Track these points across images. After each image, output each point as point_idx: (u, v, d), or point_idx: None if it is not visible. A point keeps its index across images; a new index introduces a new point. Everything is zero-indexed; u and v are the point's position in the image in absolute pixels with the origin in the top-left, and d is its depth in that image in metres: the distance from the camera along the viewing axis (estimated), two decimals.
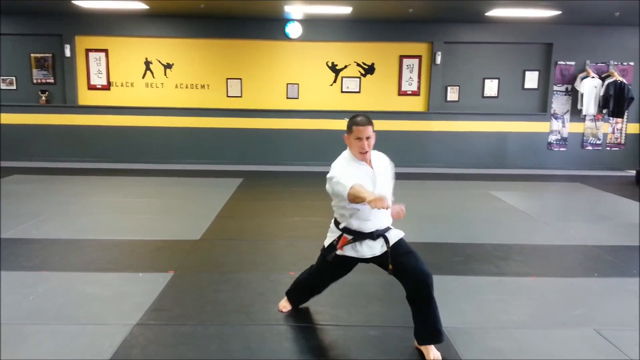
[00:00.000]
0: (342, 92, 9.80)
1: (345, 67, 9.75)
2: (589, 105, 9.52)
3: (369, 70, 9.78)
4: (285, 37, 9.50)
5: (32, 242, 4.67)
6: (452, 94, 9.84)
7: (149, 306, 3.34)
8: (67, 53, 9.39)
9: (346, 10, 8.30)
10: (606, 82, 9.37)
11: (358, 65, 9.75)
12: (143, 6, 8.32)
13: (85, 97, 9.71)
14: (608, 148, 9.99)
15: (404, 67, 9.77)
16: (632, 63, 9.67)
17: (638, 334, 3.08)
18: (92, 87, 9.69)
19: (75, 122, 9.57)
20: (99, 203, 6.37)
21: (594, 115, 9.78)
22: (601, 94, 9.41)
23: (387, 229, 2.92)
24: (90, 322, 3.13)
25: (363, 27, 9.47)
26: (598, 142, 9.96)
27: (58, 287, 3.64)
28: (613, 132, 9.97)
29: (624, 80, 9.36)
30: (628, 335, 3.05)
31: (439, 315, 2.78)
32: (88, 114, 9.58)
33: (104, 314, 3.24)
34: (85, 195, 6.75)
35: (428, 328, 2.77)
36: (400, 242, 2.90)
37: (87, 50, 9.58)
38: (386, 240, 2.87)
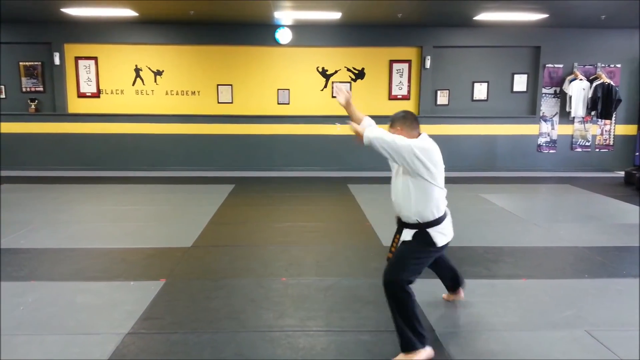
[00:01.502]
0: (333, 97, 9.81)
1: (336, 72, 9.78)
2: (577, 108, 9.61)
3: (359, 75, 9.81)
4: (276, 43, 9.52)
5: (22, 252, 4.64)
6: (442, 98, 9.89)
7: (140, 315, 3.33)
8: (57, 61, 9.35)
9: (336, 15, 8.34)
10: (594, 84, 9.46)
11: (348, 70, 9.79)
12: (132, 13, 8.31)
13: (75, 105, 9.67)
14: (597, 149, 10.08)
15: (394, 71, 9.82)
16: (619, 65, 9.78)
17: (638, 334, 3.10)
18: (81, 95, 9.65)
19: (65, 130, 9.52)
20: (89, 211, 6.33)
21: (583, 117, 9.87)
22: (589, 96, 9.51)
23: (408, 224, 2.95)
24: (80, 331, 3.11)
25: (353, 32, 9.51)
26: (587, 143, 10.05)
27: (47, 297, 3.62)
28: (602, 134, 10.06)
29: (612, 82, 9.46)
30: (618, 336, 3.08)
31: (405, 320, 2.77)
32: (78, 122, 9.54)
33: (94, 324, 3.22)
34: (75, 204, 6.71)
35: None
36: (401, 244, 2.99)
37: (77, 58, 9.55)
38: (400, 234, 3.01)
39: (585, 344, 2.99)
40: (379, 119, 5.62)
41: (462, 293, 3.55)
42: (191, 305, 3.50)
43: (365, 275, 4.12)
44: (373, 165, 9.53)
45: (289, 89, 9.77)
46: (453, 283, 3.50)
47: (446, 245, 3.00)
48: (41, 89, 9.55)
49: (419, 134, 2.97)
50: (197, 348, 2.92)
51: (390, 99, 9.87)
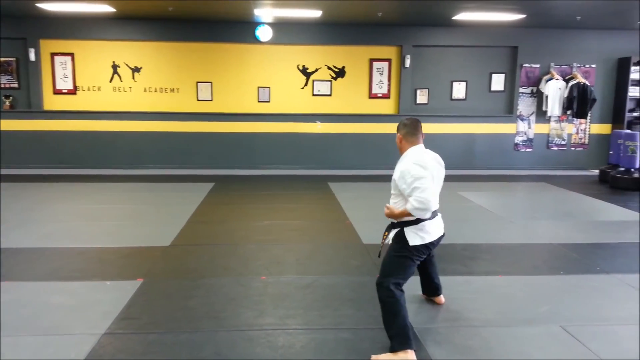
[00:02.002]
0: (313, 95, 9.82)
1: (316, 70, 9.77)
2: (553, 107, 9.77)
3: (340, 73, 9.83)
4: (256, 40, 9.48)
5: None
6: (422, 97, 9.97)
7: (117, 315, 3.28)
8: (32, 57, 9.17)
9: (316, 13, 8.33)
10: (570, 84, 9.63)
11: (329, 68, 9.79)
12: (110, 9, 8.18)
13: (51, 101, 9.49)
14: (572, 148, 10.27)
15: (374, 70, 9.85)
16: (594, 65, 9.97)
17: (611, 330, 3.17)
18: (57, 92, 9.48)
19: (40, 127, 9.34)
20: (65, 210, 6.23)
21: (559, 117, 10.04)
22: (565, 95, 9.67)
23: (394, 224, 3.07)
24: (56, 332, 3.06)
25: (333, 30, 9.52)
26: (563, 142, 10.23)
27: (22, 297, 3.54)
28: (577, 133, 10.24)
29: (587, 82, 9.64)
30: (593, 331, 3.14)
31: (390, 322, 2.84)
32: (54, 119, 9.36)
33: (70, 324, 3.17)
34: (51, 202, 6.59)
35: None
36: (389, 244, 3.10)
37: (53, 54, 9.37)
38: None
39: (561, 339, 3.04)
40: (359, 118, 5.62)
41: (442, 298, 3.55)
42: (169, 305, 3.47)
43: (345, 273, 4.13)
44: (354, 164, 9.56)
45: (269, 87, 9.73)
46: (430, 290, 3.55)
47: (427, 247, 3.02)
48: (16, 85, 9.35)
49: (418, 143, 3.10)
50: (174, 348, 2.89)
51: (370, 97, 9.91)
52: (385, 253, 3.04)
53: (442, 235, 3.12)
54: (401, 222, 2.99)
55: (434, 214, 3.04)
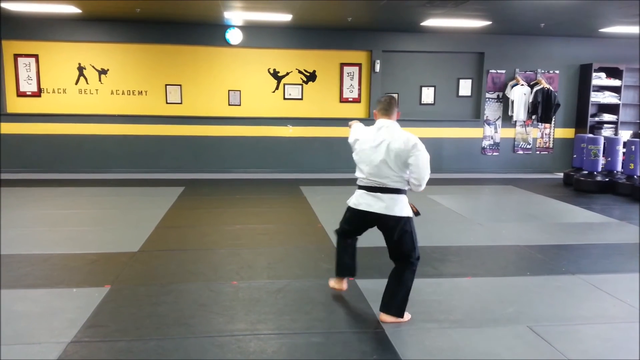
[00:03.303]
0: (284, 99, 9.81)
1: (287, 74, 9.77)
2: (519, 112, 10.01)
3: (311, 77, 9.85)
4: (226, 43, 9.42)
5: None
6: None
7: (83, 322, 3.20)
8: None
9: (286, 17, 8.34)
10: (534, 89, 9.89)
11: (300, 72, 9.80)
12: (75, 10, 8.01)
13: (14, 104, 9.23)
14: (538, 152, 10.53)
15: (345, 74, 9.91)
16: (557, 71, 10.26)
17: (575, 329, 3.26)
18: (21, 94, 9.22)
19: (3, 130, 9.07)
20: (29, 216, 6.05)
21: (524, 121, 10.29)
22: (530, 100, 9.92)
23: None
24: (19, 341, 2.96)
25: (304, 34, 9.54)
26: (528, 146, 10.48)
27: None
28: (542, 137, 10.51)
29: (551, 88, 9.92)
30: (558, 331, 3.21)
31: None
32: (17, 122, 9.10)
33: (34, 333, 3.07)
34: (13, 208, 6.39)
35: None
36: None
37: (16, 56, 9.12)
38: None
39: (527, 339, 3.11)
40: (330, 121, 5.66)
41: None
42: (137, 312, 3.40)
43: (316, 277, 4.13)
44: (325, 167, 9.59)
45: (240, 90, 9.68)
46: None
47: (351, 211, 3.44)
48: None
49: (390, 119, 3.46)
50: (143, 355, 2.84)
51: (341, 101, 9.96)
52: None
53: (373, 213, 3.33)
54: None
55: (374, 189, 3.39)
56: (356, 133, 3.50)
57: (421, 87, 10.12)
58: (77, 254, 4.62)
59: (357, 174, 3.42)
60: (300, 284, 3.96)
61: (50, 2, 7.53)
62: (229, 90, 9.67)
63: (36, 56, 9.17)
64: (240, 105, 9.72)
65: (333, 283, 3.65)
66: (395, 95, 9.98)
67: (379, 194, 3.27)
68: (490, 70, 10.13)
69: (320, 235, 5.40)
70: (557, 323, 3.34)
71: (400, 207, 3.25)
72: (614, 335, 3.17)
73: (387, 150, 3.25)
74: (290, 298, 3.67)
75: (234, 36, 9.38)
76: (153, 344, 2.96)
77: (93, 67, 9.32)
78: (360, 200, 3.35)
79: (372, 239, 5.03)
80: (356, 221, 3.45)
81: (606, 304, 3.67)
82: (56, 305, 3.49)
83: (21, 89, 9.21)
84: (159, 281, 3.99)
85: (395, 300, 3.26)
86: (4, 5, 7.65)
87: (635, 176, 7.92)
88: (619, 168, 8.28)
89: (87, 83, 9.34)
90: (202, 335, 3.10)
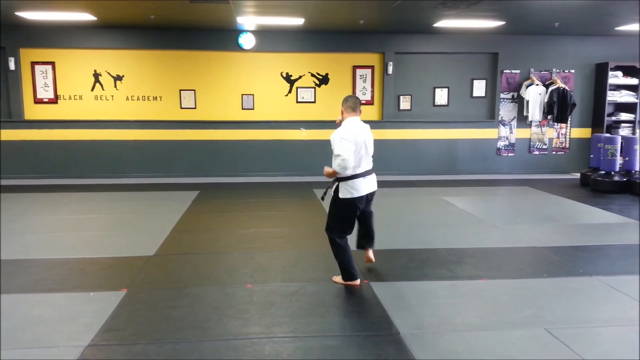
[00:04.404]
0: (297, 102, 9.83)
1: (300, 77, 9.80)
2: (534, 112, 9.91)
3: (324, 80, 9.86)
4: (239, 48, 9.48)
5: None
6: (405, 103, 10.04)
7: (100, 326, 3.24)
8: (12, 66, 9.05)
9: (299, 21, 8.36)
10: (550, 89, 9.78)
11: (312, 75, 9.82)
12: (91, 17, 8.12)
13: (32, 111, 9.37)
14: (554, 152, 10.41)
15: (358, 77, 9.91)
16: (572, 70, 10.14)
17: (594, 332, 3.21)
18: (38, 101, 9.37)
19: (21, 137, 9.21)
20: (46, 221, 6.14)
21: (540, 121, 10.18)
22: (545, 100, 9.82)
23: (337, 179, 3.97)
24: (38, 345, 3.01)
25: (316, 38, 9.56)
26: (544, 146, 10.37)
27: (3, 310, 3.47)
28: (558, 137, 10.40)
29: (567, 87, 9.80)
30: (576, 333, 3.17)
31: (338, 261, 4.01)
32: (35, 129, 9.24)
33: (52, 337, 3.12)
34: (31, 213, 6.49)
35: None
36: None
37: (33, 63, 9.26)
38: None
39: (545, 342, 3.07)
40: None
41: (371, 254, 4.29)
42: (153, 315, 3.43)
43: (330, 280, 4.13)
44: None
45: (253, 94, 9.73)
46: (364, 240, 4.28)
47: (356, 201, 3.86)
48: None
49: (355, 115, 3.99)
50: (159, 358, 2.86)
51: None
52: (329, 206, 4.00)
53: (374, 192, 4.03)
54: (338, 178, 3.86)
55: (367, 173, 3.93)
56: (352, 135, 3.86)
57: (434, 88, 10.07)
58: (93, 258, 4.68)
59: (349, 167, 3.79)
60: (314, 287, 3.96)
61: (66, 10, 7.64)
62: (242, 95, 9.72)
63: (53, 63, 9.31)
64: (253, 109, 9.76)
65: (338, 279, 4.06)
66: (409, 96, 10.00)
67: (369, 176, 3.97)
68: (505, 71, 10.05)
69: None
70: (575, 325, 3.30)
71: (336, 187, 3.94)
72: (633, 338, 3.12)
73: (369, 140, 3.99)
74: (304, 301, 3.67)
75: (247, 41, 9.43)
76: (169, 347, 2.98)
77: (108, 73, 9.43)
78: (359, 187, 3.87)
79: (386, 242, 5.04)
80: (359, 208, 3.95)
81: (625, 306, 3.62)
82: (73, 309, 3.53)
83: (38, 96, 9.35)
84: (174, 285, 4.02)
85: (373, 236, 4.25)
86: (21, 14, 7.78)
87: None
88: (637, 167, 8.15)
89: (103, 89, 9.46)
90: (217, 338, 3.11)
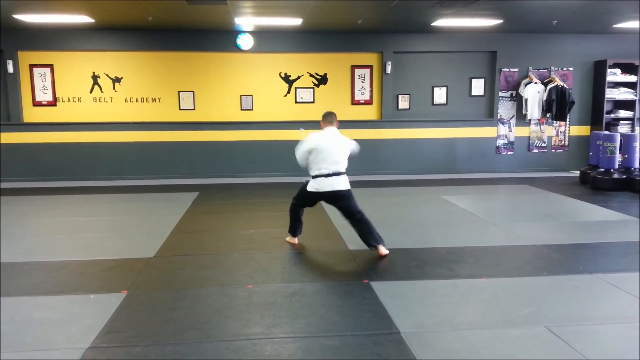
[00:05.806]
0: (296, 102, 9.84)
1: (299, 77, 9.80)
2: (533, 110, 9.92)
3: (322, 80, 9.87)
4: (237, 49, 9.48)
5: None
6: (404, 102, 10.05)
7: (101, 328, 3.24)
8: (10, 69, 9.05)
9: (297, 21, 8.36)
10: (548, 87, 9.79)
11: (311, 75, 9.82)
12: (89, 20, 8.12)
13: (31, 113, 9.38)
14: (553, 150, 10.42)
15: (356, 76, 9.91)
16: (571, 68, 10.15)
17: (596, 329, 3.21)
18: (37, 104, 9.37)
19: (20, 140, 9.22)
20: (46, 223, 6.14)
21: (539, 120, 10.19)
22: (544, 98, 9.83)
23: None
24: (38, 347, 3.01)
25: (314, 38, 9.56)
26: (543, 145, 10.38)
27: (3, 313, 3.47)
28: (557, 135, 10.40)
29: (565, 85, 9.81)
30: (577, 331, 3.17)
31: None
32: (34, 132, 9.25)
33: (53, 339, 3.11)
34: (30, 216, 6.49)
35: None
36: None
37: (31, 66, 9.27)
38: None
39: (546, 340, 3.07)
40: (342, 124, 5.75)
41: (382, 249, 4.70)
42: (154, 317, 3.43)
43: (331, 280, 4.13)
44: None
45: (252, 95, 9.73)
46: (365, 239, 4.74)
47: (317, 195, 4.78)
48: None
49: (330, 126, 4.89)
50: None
51: (353, 103, 9.96)
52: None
53: (337, 191, 4.68)
54: (312, 175, 4.76)
55: (332, 175, 4.66)
56: (312, 142, 4.74)
57: (433, 87, 10.08)
58: (93, 260, 4.67)
59: (318, 168, 4.71)
60: (314, 287, 3.96)
61: (64, 12, 7.64)
62: (241, 95, 9.72)
63: (51, 66, 9.31)
64: (252, 110, 9.77)
65: (290, 239, 5.17)
66: (408, 95, 10.00)
67: (335, 177, 4.67)
68: (503, 69, 10.05)
69: (334, 238, 5.40)
70: (576, 323, 3.29)
71: (346, 182, 4.76)
72: (633, 335, 3.12)
73: (342, 147, 4.77)
74: (305, 301, 3.67)
75: (245, 41, 9.43)
76: (169, 349, 2.98)
77: (107, 75, 9.43)
78: (322, 184, 4.69)
79: (386, 241, 5.03)
80: (316, 199, 4.88)
81: (625, 303, 3.62)
82: (74, 311, 3.53)
83: (37, 99, 9.36)
84: (174, 286, 4.02)
85: (374, 234, 4.69)
86: (18, 17, 7.78)
87: None
88: (637, 165, 8.16)
89: (102, 91, 9.46)
90: (217, 339, 3.11)
